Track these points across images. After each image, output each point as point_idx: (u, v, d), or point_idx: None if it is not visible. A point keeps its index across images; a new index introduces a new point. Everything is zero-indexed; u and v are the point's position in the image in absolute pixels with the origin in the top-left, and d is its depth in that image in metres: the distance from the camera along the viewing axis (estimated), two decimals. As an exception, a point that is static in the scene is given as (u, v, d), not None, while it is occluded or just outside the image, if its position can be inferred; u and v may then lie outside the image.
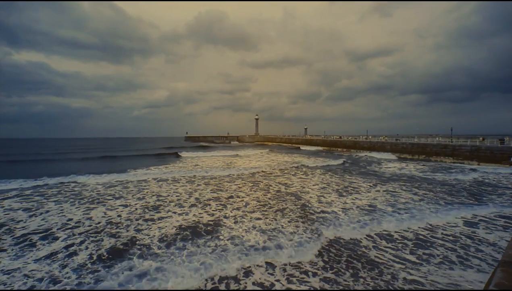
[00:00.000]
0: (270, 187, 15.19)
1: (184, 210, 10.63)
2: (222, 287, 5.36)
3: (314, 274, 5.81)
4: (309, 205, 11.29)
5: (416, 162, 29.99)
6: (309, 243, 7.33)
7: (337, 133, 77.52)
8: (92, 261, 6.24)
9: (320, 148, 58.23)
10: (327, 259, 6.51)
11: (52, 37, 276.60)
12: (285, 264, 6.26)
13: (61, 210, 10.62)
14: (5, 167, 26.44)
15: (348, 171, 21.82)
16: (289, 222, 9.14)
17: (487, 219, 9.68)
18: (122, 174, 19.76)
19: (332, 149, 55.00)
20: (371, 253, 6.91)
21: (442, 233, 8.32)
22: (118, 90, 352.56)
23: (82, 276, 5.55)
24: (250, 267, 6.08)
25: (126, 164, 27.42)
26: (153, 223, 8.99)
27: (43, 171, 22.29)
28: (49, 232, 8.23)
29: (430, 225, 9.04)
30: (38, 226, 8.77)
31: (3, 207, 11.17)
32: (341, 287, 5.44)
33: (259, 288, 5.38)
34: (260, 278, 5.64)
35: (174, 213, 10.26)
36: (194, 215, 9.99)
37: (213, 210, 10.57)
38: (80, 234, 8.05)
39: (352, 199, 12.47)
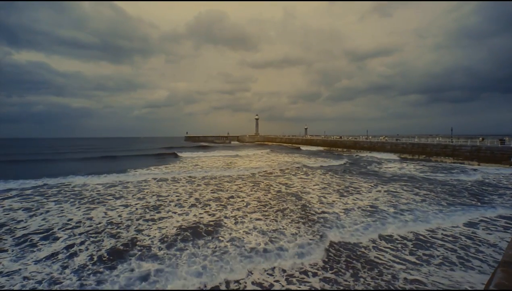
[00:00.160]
0: (271, 187, 15.19)
1: (184, 210, 10.62)
2: (223, 287, 5.36)
3: (319, 279, 5.67)
4: (310, 206, 11.26)
5: (416, 162, 29.98)
6: (311, 245, 7.21)
7: (337, 133, 77.59)
8: (93, 262, 6.22)
9: (320, 148, 58.23)
10: (330, 263, 6.36)
11: (52, 37, 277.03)
12: (288, 268, 6.11)
13: (62, 210, 10.61)
14: (5, 167, 26.43)
15: (348, 171, 21.82)
16: (290, 223, 9.09)
17: (487, 220, 9.66)
18: (122, 174, 19.76)
19: (332, 149, 55.01)
20: (375, 256, 6.75)
21: (442, 234, 8.32)
22: (118, 90, 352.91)
23: (83, 278, 5.53)
24: (251, 272, 5.93)
25: (126, 164, 27.41)
26: (153, 223, 8.99)
27: (43, 171, 22.31)
28: (50, 232, 8.22)
29: (434, 229, 8.76)
30: (39, 226, 8.76)
31: (3, 206, 11.17)
32: (341, 288, 5.45)
33: (258, 288, 5.39)
34: (262, 283, 5.53)
35: (175, 213, 10.26)
36: (194, 215, 9.98)
37: (213, 210, 10.55)
38: (80, 234, 8.04)
39: (353, 199, 12.44)
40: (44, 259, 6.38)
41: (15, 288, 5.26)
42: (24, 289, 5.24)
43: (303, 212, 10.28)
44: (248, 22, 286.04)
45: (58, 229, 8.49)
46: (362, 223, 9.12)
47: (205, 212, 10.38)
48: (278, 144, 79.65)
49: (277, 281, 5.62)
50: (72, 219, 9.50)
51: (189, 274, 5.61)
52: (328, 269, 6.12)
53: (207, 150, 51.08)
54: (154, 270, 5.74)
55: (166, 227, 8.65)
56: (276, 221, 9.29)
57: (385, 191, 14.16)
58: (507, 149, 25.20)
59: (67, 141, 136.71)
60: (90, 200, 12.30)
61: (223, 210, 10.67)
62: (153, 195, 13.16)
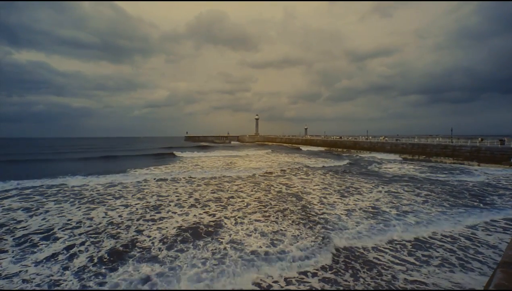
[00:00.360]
0: (271, 188, 15.17)
1: (184, 210, 10.60)
2: None
3: (323, 284, 5.53)
4: (312, 207, 11.23)
5: (416, 162, 29.97)
6: (313, 247, 7.08)
7: (337, 133, 77.59)
8: (93, 263, 6.20)
9: (320, 148, 58.21)
10: (335, 268, 6.17)
11: (53, 36, 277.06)
12: (291, 273, 5.91)
13: (61, 210, 10.60)
14: (5, 167, 26.42)
15: (349, 172, 21.81)
16: (291, 224, 9.00)
17: (496, 222, 9.46)
18: (122, 174, 19.76)
19: (332, 149, 55.00)
20: (381, 261, 6.56)
21: (451, 237, 8.12)
22: (118, 90, 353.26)
23: (83, 280, 5.51)
24: (253, 276, 5.74)
25: (126, 164, 27.40)
26: (154, 223, 8.97)
27: (43, 171, 22.31)
28: (50, 232, 8.21)
29: (440, 232, 8.49)
30: (39, 226, 8.74)
31: (3, 206, 11.15)
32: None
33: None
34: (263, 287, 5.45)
35: (174, 213, 10.24)
36: (194, 215, 9.96)
37: (213, 211, 10.53)
38: (80, 234, 8.02)
39: (355, 200, 12.40)
40: (44, 260, 6.34)
41: (16, 288, 5.26)
42: (25, 289, 5.24)
43: (304, 213, 10.25)
44: (249, 22, 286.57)
45: (58, 229, 8.47)
46: (365, 225, 8.94)
47: (205, 212, 10.36)
48: (278, 145, 79.63)
49: (280, 286, 5.51)
50: (72, 219, 9.48)
51: (189, 279, 5.51)
52: (333, 274, 5.89)
53: (207, 150, 51.06)
54: (155, 274, 5.65)
55: (166, 227, 8.63)
56: (277, 222, 9.21)
57: (386, 192, 14.14)
58: (507, 150, 25.19)
59: (67, 141, 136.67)
60: (90, 199, 12.29)
61: (223, 210, 10.65)
62: (153, 195, 13.14)
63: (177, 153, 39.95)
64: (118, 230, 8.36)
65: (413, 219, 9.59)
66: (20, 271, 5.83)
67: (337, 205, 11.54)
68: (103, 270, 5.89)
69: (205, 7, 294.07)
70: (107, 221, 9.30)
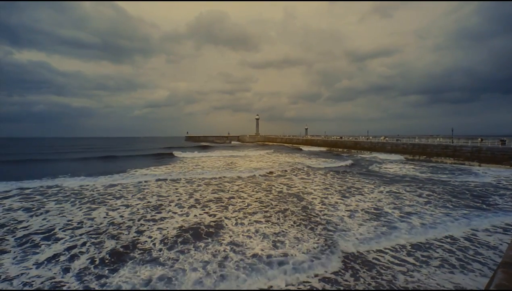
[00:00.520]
0: (272, 188, 15.15)
1: (185, 211, 10.58)
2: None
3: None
4: (313, 207, 11.18)
5: (417, 162, 29.94)
6: (316, 249, 6.96)
7: (337, 133, 77.56)
8: (94, 265, 6.18)
9: (321, 148, 58.18)
10: (341, 274, 5.93)
11: (53, 36, 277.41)
12: (294, 278, 5.72)
13: (62, 210, 10.59)
14: (5, 167, 26.46)
15: (350, 172, 21.79)
16: (293, 226, 8.87)
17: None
18: (122, 174, 19.75)
19: (332, 149, 54.99)
20: (388, 266, 6.29)
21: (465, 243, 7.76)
22: (118, 90, 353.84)
23: (85, 282, 5.50)
24: (254, 281, 5.58)
25: (126, 164, 27.41)
26: (154, 224, 8.96)
27: (43, 170, 22.29)
28: (52, 232, 8.20)
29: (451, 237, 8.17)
30: (40, 226, 8.74)
31: (4, 206, 11.15)
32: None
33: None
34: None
35: (175, 213, 10.23)
36: (195, 215, 9.95)
37: (214, 212, 10.51)
38: (81, 234, 8.01)
39: (356, 200, 12.35)
40: (45, 262, 6.31)
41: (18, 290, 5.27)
42: (25, 290, 5.25)
43: (306, 214, 10.20)
44: (249, 22, 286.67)
45: (59, 229, 8.46)
46: (369, 227, 8.73)
47: (206, 213, 10.33)
48: (278, 145, 79.62)
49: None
50: (72, 219, 9.47)
51: (190, 282, 5.46)
52: (340, 280, 5.69)
53: (207, 150, 51.06)
54: (156, 277, 5.59)
55: (167, 227, 8.62)
56: (279, 224, 9.12)
57: (387, 192, 14.09)
58: (508, 150, 25.15)
59: (68, 141, 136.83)
60: (91, 199, 12.30)
61: (223, 211, 10.63)
62: (154, 195, 13.13)
63: (178, 153, 39.94)
64: (119, 231, 8.34)
65: (418, 221, 9.36)
66: (22, 274, 5.80)
67: (339, 205, 11.49)
68: (105, 272, 5.86)
69: (206, 7, 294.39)
70: (108, 221, 9.29)
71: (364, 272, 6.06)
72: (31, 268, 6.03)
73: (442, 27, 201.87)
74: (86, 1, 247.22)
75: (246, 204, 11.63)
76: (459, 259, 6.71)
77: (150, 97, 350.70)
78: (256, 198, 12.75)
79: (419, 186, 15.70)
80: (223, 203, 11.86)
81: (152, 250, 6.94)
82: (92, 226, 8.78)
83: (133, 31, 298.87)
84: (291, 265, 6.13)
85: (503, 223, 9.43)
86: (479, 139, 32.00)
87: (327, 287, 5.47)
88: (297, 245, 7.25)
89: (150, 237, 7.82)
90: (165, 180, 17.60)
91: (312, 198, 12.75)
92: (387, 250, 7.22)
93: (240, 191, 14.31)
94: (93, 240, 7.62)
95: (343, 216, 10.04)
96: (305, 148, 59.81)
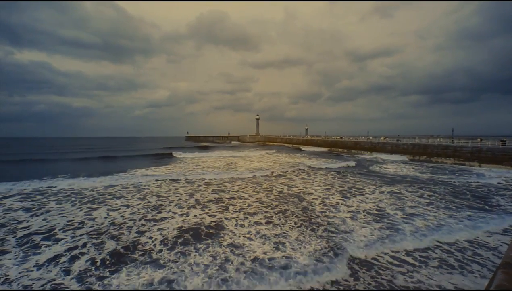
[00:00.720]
0: (273, 188, 15.14)
1: (185, 211, 10.56)
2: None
3: None
4: (314, 209, 11.13)
5: (418, 162, 29.91)
6: (319, 252, 6.82)
7: (338, 134, 77.60)
8: (95, 266, 6.16)
9: (321, 149, 58.19)
10: (347, 280, 5.73)
11: (54, 36, 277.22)
12: (296, 282, 5.55)
13: (62, 210, 10.58)
14: (5, 167, 26.48)
15: (351, 172, 21.77)
16: (294, 227, 8.80)
17: None
18: (123, 174, 19.76)
19: (333, 149, 55.00)
20: (395, 271, 6.11)
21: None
22: (119, 90, 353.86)
23: (86, 283, 5.50)
24: (255, 285, 5.44)
25: (127, 164, 27.42)
26: (155, 224, 8.95)
27: (43, 170, 22.28)
28: (52, 232, 8.20)
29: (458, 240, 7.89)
30: (40, 226, 8.73)
31: (4, 206, 11.15)
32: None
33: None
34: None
35: (175, 213, 10.23)
36: (195, 215, 9.94)
37: (214, 212, 10.49)
38: (82, 235, 8.00)
39: (358, 201, 12.32)
40: (46, 264, 6.29)
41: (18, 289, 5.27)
42: (26, 290, 5.26)
43: (307, 215, 10.16)
44: (249, 22, 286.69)
45: (59, 229, 8.45)
46: (371, 229, 8.55)
47: (206, 213, 10.31)
48: (279, 145, 79.63)
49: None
50: (73, 219, 9.46)
51: (190, 287, 5.41)
52: (342, 284, 5.56)
53: (208, 150, 51.07)
54: (156, 281, 5.54)
55: (167, 228, 8.62)
56: (280, 225, 9.05)
57: (388, 192, 14.06)
58: (508, 150, 25.13)
59: (68, 140, 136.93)
60: (91, 199, 12.30)
61: (224, 211, 10.61)
62: (154, 196, 13.12)
63: (178, 153, 39.94)
64: (120, 231, 8.33)
65: (421, 223, 9.21)
66: (22, 276, 5.76)
67: (340, 206, 11.44)
68: (106, 273, 5.85)
69: (206, 8, 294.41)
70: (109, 221, 9.28)
71: (370, 275, 5.90)
72: (32, 270, 6.00)
73: (443, 27, 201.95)
74: (87, 1, 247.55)
75: (246, 205, 11.61)
76: (475, 262, 6.53)
77: (150, 97, 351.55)
78: (257, 199, 12.73)
79: (420, 187, 15.68)
80: (223, 203, 11.84)
81: (152, 252, 6.92)
82: (93, 226, 8.77)
83: (133, 31, 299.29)
84: (294, 269, 5.95)
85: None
86: (479, 139, 31.99)
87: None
88: (300, 248, 7.10)
89: (150, 238, 7.80)
90: (165, 180, 17.59)
91: (313, 199, 12.73)
92: (392, 253, 7.02)
93: (241, 191, 14.30)
94: (93, 241, 7.60)
95: (345, 217, 9.95)
96: (306, 148, 59.81)
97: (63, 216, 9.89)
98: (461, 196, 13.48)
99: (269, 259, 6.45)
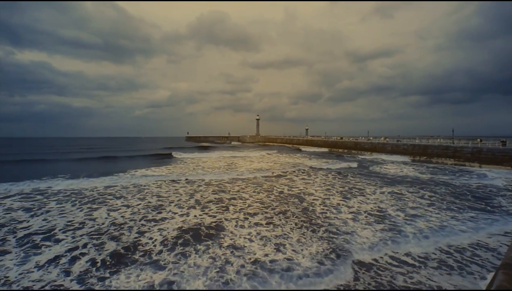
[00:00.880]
0: (274, 189, 15.12)
1: (185, 211, 10.55)
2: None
3: None
4: (315, 210, 11.10)
5: (419, 163, 29.91)
6: (321, 253, 6.76)
7: (338, 134, 77.62)
8: (96, 268, 6.15)
9: (321, 149, 58.20)
10: (349, 283, 5.64)
11: (55, 36, 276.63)
12: (299, 285, 5.43)
13: (63, 210, 10.57)
14: (6, 167, 26.49)
15: (351, 172, 21.74)
16: (295, 228, 8.74)
17: None
18: (123, 174, 19.77)
19: (333, 149, 55.01)
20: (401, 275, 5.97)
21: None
22: (119, 90, 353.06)
23: (87, 285, 5.50)
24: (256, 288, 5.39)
25: (127, 165, 27.44)
26: (155, 224, 8.93)
27: (44, 171, 22.30)
28: (52, 232, 8.19)
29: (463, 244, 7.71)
30: (40, 227, 8.71)
31: (4, 206, 11.14)
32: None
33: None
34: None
35: (175, 213, 10.24)
36: (195, 216, 9.94)
37: (214, 213, 10.47)
38: (82, 235, 7.99)
39: (359, 201, 12.29)
40: (46, 265, 6.26)
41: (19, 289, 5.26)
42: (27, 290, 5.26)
43: (308, 216, 10.12)
44: (250, 22, 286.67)
45: (60, 230, 8.44)
46: (373, 231, 8.45)
47: (206, 214, 10.30)
48: (279, 145, 79.65)
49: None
50: (73, 220, 9.45)
51: (190, 287, 5.40)
52: (346, 287, 5.46)
53: (208, 151, 51.08)
54: (157, 283, 5.52)
55: (167, 228, 8.61)
56: (280, 225, 9.02)
57: (389, 193, 14.03)
58: (508, 151, 25.12)
59: (68, 141, 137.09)
60: (91, 199, 12.30)
61: (224, 212, 10.59)
62: (154, 196, 13.10)
63: (178, 153, 39.97)
64: (120, 232, 8.32)
65: (424, 224, 9.12)
66: (23, 277, 5.74)
67: (341, 207, 11.40)
68: (107, 274, 5.84)
69: (206, 8, 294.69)
70: (110, 221, 9.27)
71: (374, 279, 5.80)
72: (32, 271, 5.99)
73: (443, 27, 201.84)
74: (87, 1, 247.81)
75: (247, 205, 11.60)
76: (482, 265, 6.46)
77: (151, 98, 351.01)
78: (257, 199, 12.72)
79: (421, 187, 15.66)
80: (223, 203, 11.83)
81: (152, 253, 6.90)
82: (94, 227, 8.76)
83: (134, 31, 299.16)
84: (296, 272, 5.85)
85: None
86: (478, 140, 31.99)
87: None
88: (301, 250, 7.01)
89: (150, 238, 7.79)
90: (165, 180, 17.59)
91: (314, 199, 12.72)
92: (396, 256, 6.90)
93: (241, 192, 14.29)
94: (94, 242, 7.59)
95: (347, 218, 9.90)
96: (306, 149, 59.83)
97: (64, 216, 9.89)
98: (462, 197, 13.45)
99: (271, 261, 6.38)
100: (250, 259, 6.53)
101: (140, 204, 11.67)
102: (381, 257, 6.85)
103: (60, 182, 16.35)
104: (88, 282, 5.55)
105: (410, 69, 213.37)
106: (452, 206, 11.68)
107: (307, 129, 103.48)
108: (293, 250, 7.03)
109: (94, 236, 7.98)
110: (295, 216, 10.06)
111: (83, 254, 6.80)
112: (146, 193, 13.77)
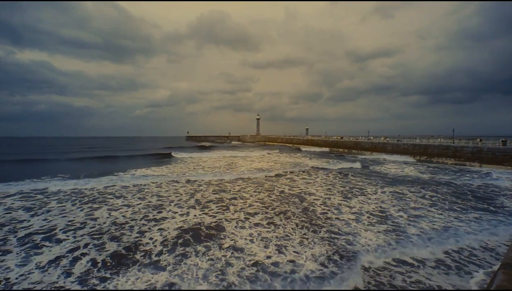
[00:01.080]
0: (274, 189, 15.11)
1: (185, 211, 10.54)
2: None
3: None
4: (316, 210, 11.05)
5: (419, 163, 29.90)
6: (324, 255, 6.66)
7: (338, 134, 77.58)
8: (97, 268, 6.13)
9: (321, 149, 58.17)
10: (352, 284, 5.50)
11: (55, 36, 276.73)
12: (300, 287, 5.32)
13: (63, 210, 10.57)
14: (6, 167, 26.53)
15: (352, 172, 21.73)
16: (297, 229, 8.68)
17: None
18: (123, 174, 19.79)
19: (333, 149, 55.01)
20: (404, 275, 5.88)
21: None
22: (120, 90, 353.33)
23: (88, 285, 5.49)
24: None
25: (127, 164, 27.48)
26: (156, 224, 8.93)
27: (44, 170, 22.33)
28: (53, 232, 8.18)
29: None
30: (41, 226, 8.71)
31: (5, 205, 11.14)
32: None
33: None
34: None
35: (175, 212, 10.25)
36: (195, 215, 9.93)
37: (215, 213, 10.45)
38: (83, 235, 7.99)
39: (360, 202, 12.26)
40: (47, 266, 6.24)
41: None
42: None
43: (309, 217, 10.07)
44: (250, 22, 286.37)
45: (60, 230, 8.44)
46: (376, 233, 8.32)
47: (206, 214, 10.28)
48: (279, 145, 79.63)
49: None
50: (74, 219, 9.46)
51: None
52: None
53: (208, 150, 51.10)
54: (156, 283, 5.51)
55: (168, 228, 8.61)
56: (282, 226, 8.94)
57: (390, 193, 14.00)
58: (509, 151, 25.10)
59: (69, 140, 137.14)
60: (92, 199, 12.30)
61: (225, 212, 10.57)
62: (154, 196, 13.09)
63: (178, 153, 39.97)
64: (121, 232, 8.31)
65: (427, 225, 9.02)
66: (24, 278, 5.73)
67: (343, 207, 11.36)
68: (108, 275, 5.84)
69: (207, 8, 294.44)
70: (110, 221, 9.27)
71: (381, 282, 5.68)
72: (33, 272, 5.97)
73: (443, 27, 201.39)
74: (88, 1, 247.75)
75: (247, 205, 11.58)
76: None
77: (151, 97, 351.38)
78: (258, 199, 12.71)
79: (422, 187, 15.64)
80: (224, 203, 11.82)
81: (152, 253, 6.87)
82: (94, 227, 8.75)
83: (134, 31, 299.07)
84: (298, 275, 5.73)
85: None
86: (478, 139, 31.96)
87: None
88: (304, 252, 6.91)
89: (151, 238, 7.78)
90: (166, 180, 17.56)
91: (315, 199, 12.70)
92: (401, 258, 6.76)
93: (242, 192, 14.28)
94: (95, 242, 7.58)
95: (349, 219, 9.82)
96: (306, 148, 59.82)
97: (64, 216, 9.89)
98: (463, 197, 13.43)
99: (272, 264, 6.26)
100: (251, 261, 6.44)
101: (140, 203, 11.67)
102: (387, 261, 6.64)
103: (61, 182, 16.36)
104: (89, 283, 5.54)
105: (410, 69, 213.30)
106: (454, 206, 11.63)
107: (307, 129, 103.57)
108: (295, 252, 6.91)
109: (95, 236, 7.98)
110: (296, 216, 10.03)
111: (84, 254, 6.79)
112: (146, 193, 13.78)
